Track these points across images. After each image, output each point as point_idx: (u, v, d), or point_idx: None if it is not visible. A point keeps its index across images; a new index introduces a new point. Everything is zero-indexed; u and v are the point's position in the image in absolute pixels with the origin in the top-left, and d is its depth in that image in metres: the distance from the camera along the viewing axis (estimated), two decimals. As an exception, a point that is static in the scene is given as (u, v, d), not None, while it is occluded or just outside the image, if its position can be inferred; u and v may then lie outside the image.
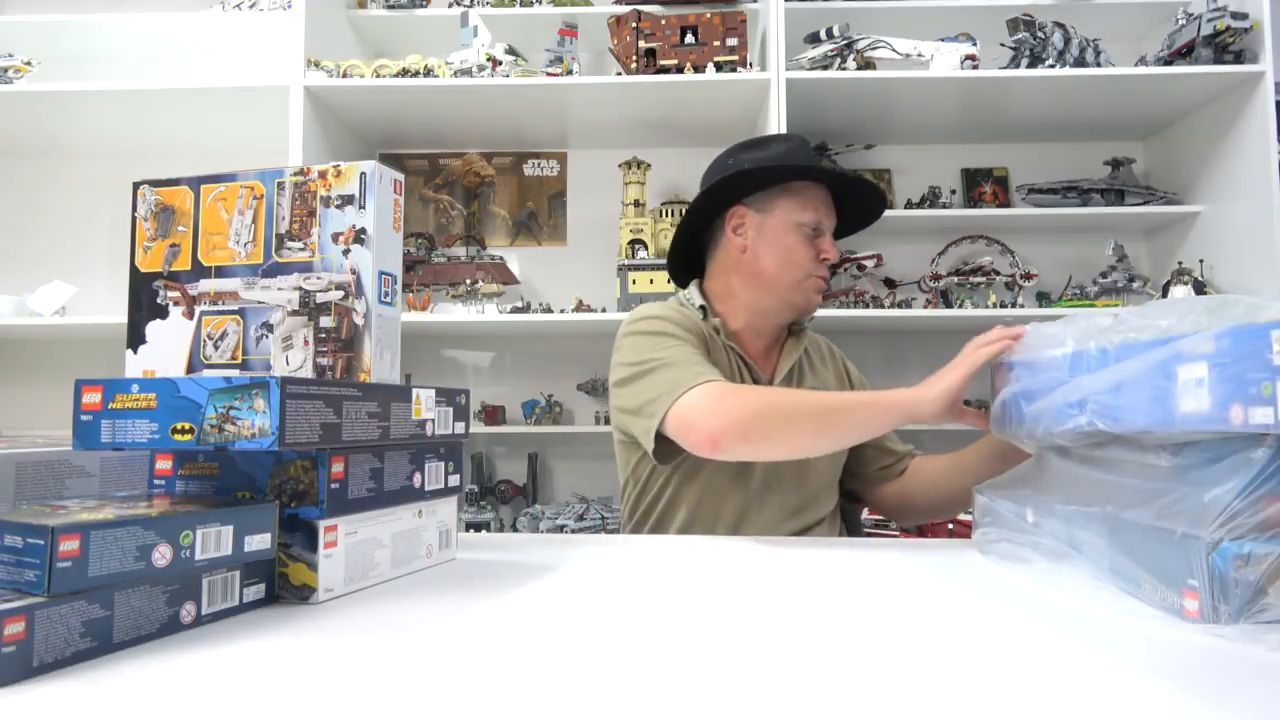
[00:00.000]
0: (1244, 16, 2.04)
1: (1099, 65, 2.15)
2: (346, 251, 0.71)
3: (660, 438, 1.05)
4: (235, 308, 0.74)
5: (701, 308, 1.24)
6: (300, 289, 0.72)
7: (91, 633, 0.48)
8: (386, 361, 0.73)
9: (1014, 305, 2.39)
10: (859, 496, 1.34)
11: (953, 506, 1.21)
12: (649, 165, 2.41)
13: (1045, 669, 0.46)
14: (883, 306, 2.35)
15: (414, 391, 0.73)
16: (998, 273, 2.42)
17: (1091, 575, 0.63)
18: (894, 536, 1.93)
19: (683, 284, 1.33)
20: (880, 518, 1.99)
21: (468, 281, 2.39)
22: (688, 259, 1.32)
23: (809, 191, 1.21)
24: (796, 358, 1.25)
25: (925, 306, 2.42)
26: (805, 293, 1.20)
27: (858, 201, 1.27)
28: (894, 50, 2.16)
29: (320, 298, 0.72)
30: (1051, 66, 2.14)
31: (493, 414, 2.44)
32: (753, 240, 1.22)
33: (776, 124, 2.06)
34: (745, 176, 1.20)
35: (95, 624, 0.48)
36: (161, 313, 0.75)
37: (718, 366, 1.16)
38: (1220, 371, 0.52)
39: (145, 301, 0.76)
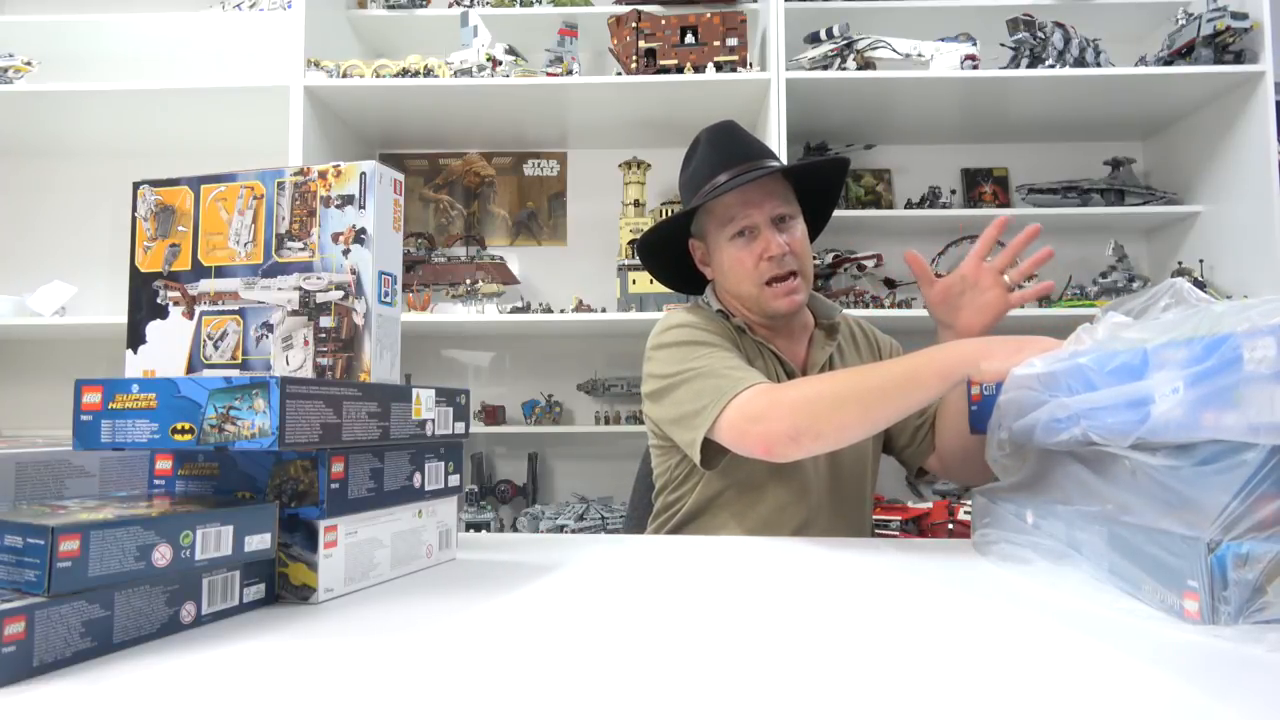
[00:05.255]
0: (1244, 16, 2.04)
1: (1099, 65, 2.15)
2: (346, 251, 0.71)
3: (703, 442, 1.04)
4: (235, 308, 0.74)
5: (720, 311, 1.22)
6: (300, 289, 0.72)
7: (91, 633, 0.48)
8: (386, 361, 0.73)
9: (1014, 305, 2.38)
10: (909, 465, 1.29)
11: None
12: (649, 165, 2.42)
13: (1045, 670, 0.47)
14: (883, 306, 2.35)
15: (414, 391, 0.73)
16: (998, 273, 2.42)
17: (1091, 576, 0.63)
18: (893, 536, 1.94)
19: (688, 292, 1.33)
20: (879, 518, 2.00)
21: (468, 281, 2.39)
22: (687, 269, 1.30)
23: (723, 200, 1.16)
24: (829, 352, 1.24)
25: (925, 306, 2.42)
26: (768, 300, 1.16)
27: (814, 169, 1.21)
28: (894, 50, 2.15)
29: (320, 298, 0.72)
30: (1051, 66, 2.13)
31: (493, 414, 2.44)
32: (713, 266, 1.23)
33: (776, 124, 2.06)
34: (657, 229, 1.24)
35: (95, 624, 0.48)
36: (161, 313, 0.75)
37: (752, 365, 1.15)
38: (1193, 380, 0.52)
39: (145, 301, 0.76)
